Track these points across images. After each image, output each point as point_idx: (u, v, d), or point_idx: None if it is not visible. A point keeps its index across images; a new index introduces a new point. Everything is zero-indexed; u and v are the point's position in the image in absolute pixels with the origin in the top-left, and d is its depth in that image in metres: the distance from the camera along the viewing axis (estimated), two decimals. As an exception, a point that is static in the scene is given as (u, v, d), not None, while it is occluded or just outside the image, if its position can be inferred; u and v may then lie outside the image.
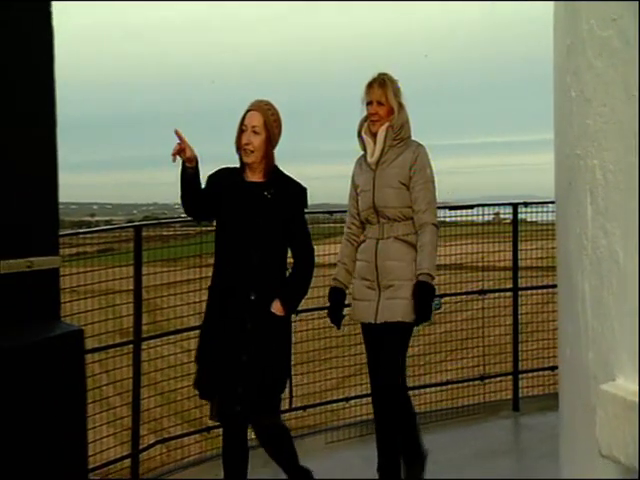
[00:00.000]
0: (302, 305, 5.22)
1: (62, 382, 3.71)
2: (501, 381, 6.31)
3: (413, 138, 4.01)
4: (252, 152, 3.55)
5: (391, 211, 3.89)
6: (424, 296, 3.79)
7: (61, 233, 3.83)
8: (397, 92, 3.93)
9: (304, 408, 5.37)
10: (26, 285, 3.46)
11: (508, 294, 6.36)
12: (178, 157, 3.49)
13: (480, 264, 6.49)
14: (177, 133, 3.40)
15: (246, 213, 3.59)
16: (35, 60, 3.54)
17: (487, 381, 6.21)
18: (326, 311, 4.24)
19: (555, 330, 6.18)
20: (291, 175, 3.75)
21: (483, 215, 6.38)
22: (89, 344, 4.10)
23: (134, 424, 4.44)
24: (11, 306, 3.39)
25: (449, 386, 6.20)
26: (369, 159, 3.94)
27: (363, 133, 3.98)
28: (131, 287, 4.79)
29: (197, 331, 5.03)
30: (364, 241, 4.01)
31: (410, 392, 5.71)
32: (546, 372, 6.38)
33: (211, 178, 3.72)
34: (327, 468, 4.69)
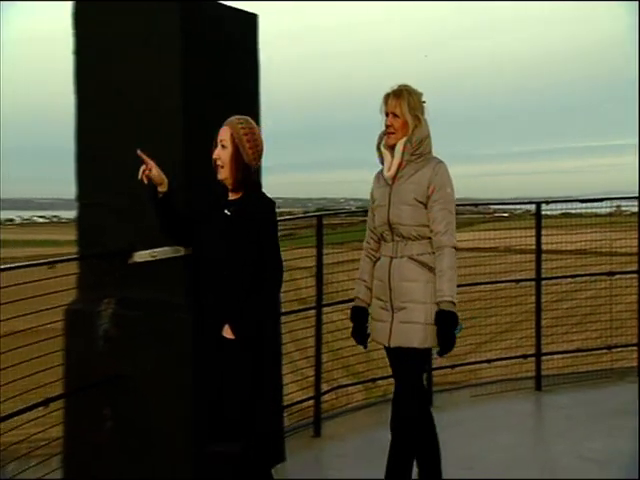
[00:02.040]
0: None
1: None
2: (625, 351, 6.03)
3: (435, 154, 3.28)
4: (221, 167, 2.93)
5: (405, 229, 3.17)
6: (447, 326, 3.05)
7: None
8: (415, 105, 3.21)
9: (452, 367, 5.35)
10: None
11: (629, 276, 6.06)
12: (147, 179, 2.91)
13: (603, 250, 6.25)
14: (141, 155, 2.86)
15: (207, 233, 2.95)
16: (244, 87, 3.74)
17: (613, 350, 5.95)
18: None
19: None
20: (263, 191, 3.06)
21: (612, 207, 6.14)
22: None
23: (317, 373, 4.58)
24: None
25: (577, 354, 6.00)
26: (385, 173, 3.24)
27: (382, 146, 3.28)
28: (306, 265, 4.90)
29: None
30: (379, 259, 3.30)
31: (542, 358, 5.61)
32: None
33: (209, 195, 3.11)
34: (472, 417, 4.67)
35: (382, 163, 3.29)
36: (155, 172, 2.88)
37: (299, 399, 4.78)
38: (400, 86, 3.23)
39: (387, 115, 3.21)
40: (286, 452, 3.97)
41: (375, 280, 3.28)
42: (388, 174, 3.22)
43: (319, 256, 4.57)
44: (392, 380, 5.60)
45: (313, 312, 4.64)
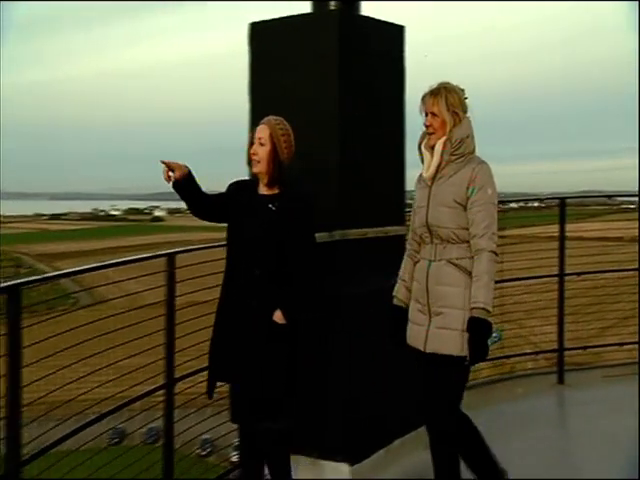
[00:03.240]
0: (568, 269, 5.01)
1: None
2: None
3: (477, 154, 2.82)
4: (258, 162, 2.84)
5: (444, 231, 2.73)
6: (479, 334, 2.60)
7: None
8: (454, 102, 2.75)
9: (583, 348, 5.06)
10: (384, 246, 3.66)
11: None
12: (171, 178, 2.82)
13: None
14: (163, 163, 2.78)
15: (250, 224, 2.82)
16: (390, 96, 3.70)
17: None
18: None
19: None
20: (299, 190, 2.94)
21: None
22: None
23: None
24: (372, 260, 3.59)
25: None
26: (424, 174, 2.83)
27: (422, 146, 2.86)
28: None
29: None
30: (419, 261, 2.88)
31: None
32: None
33: (228, 187, 2.96)
34: (603, 397, 4.38)
35: (422, 163, 2.88)
36: (177, 174, 2.78)
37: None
38: (439, 84, 2.81)
39: (426, 115, 2.79)
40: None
41: (414, 282, 2.86)
42: (426, 175, 2.81)
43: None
44: (517, 359, 5.49)
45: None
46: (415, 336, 2.80)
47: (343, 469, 3.33)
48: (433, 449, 2.82)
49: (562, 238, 4.93)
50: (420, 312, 2.79)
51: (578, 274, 5.14)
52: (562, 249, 4.92)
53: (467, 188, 2.68)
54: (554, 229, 4.95)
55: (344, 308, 3.37)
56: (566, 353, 5.00)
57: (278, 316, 2.74)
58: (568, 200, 5.18)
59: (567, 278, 4.99)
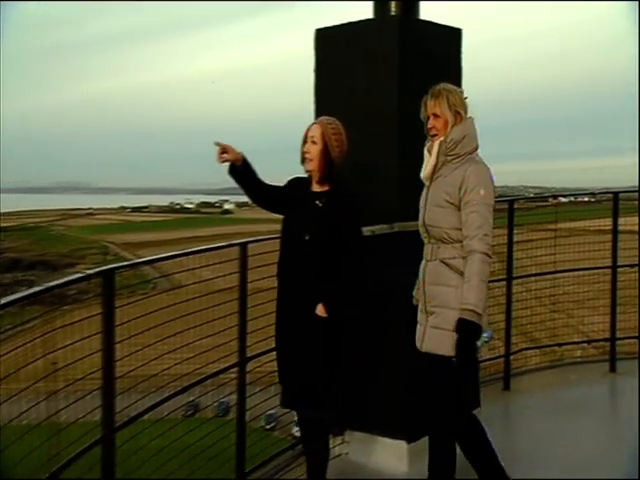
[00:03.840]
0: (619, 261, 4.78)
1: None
2: None
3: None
4: (310, 160, 2.75)
5: (437, 231, 2.59)
6: (465, 336, 2.45)
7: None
8: (456, 102, 2.60)
9: (636, 337, 4.84)
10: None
11: None
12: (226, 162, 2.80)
13: None
14: (217, 144, 2.75)
15: (298, 219, 2.78)
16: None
17: None
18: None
19: None
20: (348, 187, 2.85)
21: None
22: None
23: (507, 335, 4.39)
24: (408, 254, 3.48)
25: None
26: (421, 174, 2.68)
27: (426, 149, 2.70)
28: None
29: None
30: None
31: None
32: None
33: (288, 182, 2.90)
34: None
35: None
36: (231, 156, 2.76)
37: (489, 357, 4.59)
38: (438, 86, 2.67)
39: (428, 118, 2.64)
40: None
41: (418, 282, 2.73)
42: (422, 175, 2.68)
43: (510, 235, 4.34)
44: (567, 347, 5.31)
45: (495, 284, 4.40)
46: (417, 335, 2.69)
47: (401, 446, 3.32)
48: (431, 448, 2.65)
49: (615, 231, 4.79)
50: (420, 311, 2.68)
51: (631, 266, 4.92)
52: (615, 241, 4.78)
53: (459, 189, 2.54)
54: (603, 223, 4.80)
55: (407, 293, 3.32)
56: (617, 342, 4.82)
57: (320, 310, 2.69)
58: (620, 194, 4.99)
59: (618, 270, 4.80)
